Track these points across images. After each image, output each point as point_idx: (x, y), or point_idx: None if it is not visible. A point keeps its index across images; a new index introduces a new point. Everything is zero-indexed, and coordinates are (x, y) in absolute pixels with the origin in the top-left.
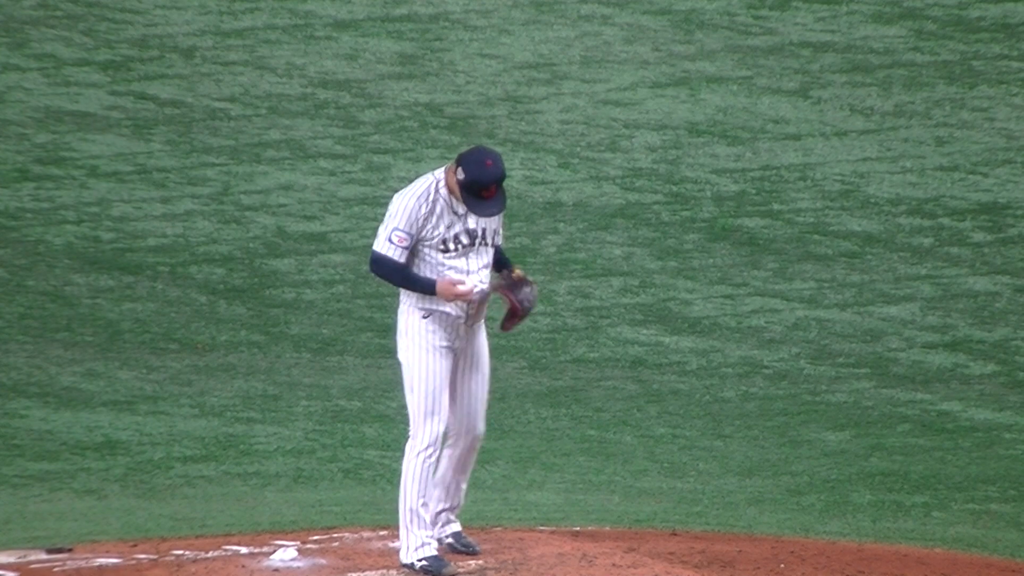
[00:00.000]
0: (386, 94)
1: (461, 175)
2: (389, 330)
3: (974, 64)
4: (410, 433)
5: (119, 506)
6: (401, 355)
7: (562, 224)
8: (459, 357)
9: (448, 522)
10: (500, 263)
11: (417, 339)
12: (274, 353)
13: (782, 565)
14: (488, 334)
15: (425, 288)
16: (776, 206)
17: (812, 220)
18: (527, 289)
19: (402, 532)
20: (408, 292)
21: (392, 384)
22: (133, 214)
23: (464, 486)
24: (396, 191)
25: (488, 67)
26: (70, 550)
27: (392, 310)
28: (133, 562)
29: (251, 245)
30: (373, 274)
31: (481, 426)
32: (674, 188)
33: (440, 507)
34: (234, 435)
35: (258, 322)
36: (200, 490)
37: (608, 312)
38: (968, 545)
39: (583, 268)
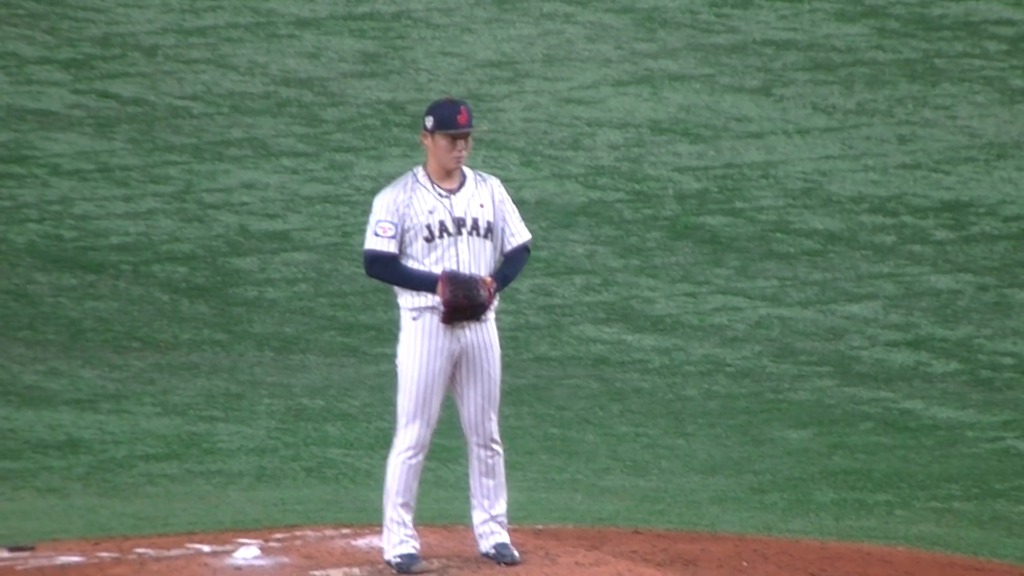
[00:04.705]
0: (348, 92)
1: (430, 121)
2: (352, 329)
3: (936, 62)
4: (395, 433)
5: (81, 504)
6: (398, 357)
7: (524, 222)
8: (460, 358)
9: (492, 533)
10: (503, 274)
11: (409, 341)
12: (237, 351)
13: (745, 563)
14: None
15: (427, 281)
16: (738, 204)
17: (774, 218)
18: (474, 291)
19: (384, 530)
20: (401, 293)
21: (354, 382)
22: (95, 212)
23: (502, 499)
24: (358, 189)
25: (450, 65)
26: (32, 548)
27: (354, 308)
28: (96, 561)
29: (213, 243)
30: (372, 277)
31: (490, 427)
32: (636, 186)
33: (482, 518)
34: (197, 433)
35: (221, 320)
36: (163, 488)
37: (570, 310)
38: (931, 543)
39: (545, 266)
